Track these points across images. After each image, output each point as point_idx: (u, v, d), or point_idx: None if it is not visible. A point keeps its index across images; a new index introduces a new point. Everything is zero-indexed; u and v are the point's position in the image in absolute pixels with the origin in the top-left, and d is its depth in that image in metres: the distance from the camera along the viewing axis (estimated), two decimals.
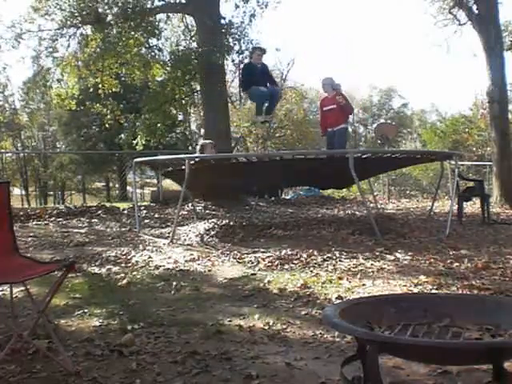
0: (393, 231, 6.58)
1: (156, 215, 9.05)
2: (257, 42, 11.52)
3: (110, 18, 11.06)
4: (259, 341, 2.83)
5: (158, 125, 12.61)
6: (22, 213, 8.90)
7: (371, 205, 9.46)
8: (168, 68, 12.20)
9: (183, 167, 6.27)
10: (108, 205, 10.79)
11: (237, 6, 11.43)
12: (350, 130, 8.09)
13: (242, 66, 8.27)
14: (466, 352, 1.67)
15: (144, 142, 12.59)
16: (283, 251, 5.29)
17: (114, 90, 13.02)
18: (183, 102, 13.12)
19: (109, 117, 13.84)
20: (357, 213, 9.27)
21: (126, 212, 9.34)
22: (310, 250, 5.28)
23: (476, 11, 11.01)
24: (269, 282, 4.14)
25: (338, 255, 5.07)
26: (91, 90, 13.54)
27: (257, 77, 7.84)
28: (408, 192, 16.92)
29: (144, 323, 3.13)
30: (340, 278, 4.16)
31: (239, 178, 7.26)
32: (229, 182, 7.52)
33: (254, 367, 2.47)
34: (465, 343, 1.77)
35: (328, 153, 7.33)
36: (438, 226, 7.03)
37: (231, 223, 7.84)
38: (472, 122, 19.92)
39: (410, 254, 5.09)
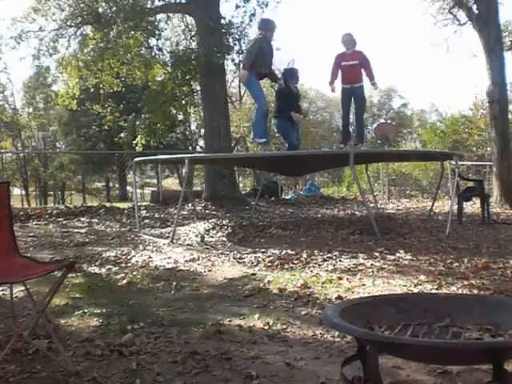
0: (393, 231, 6.58)
1: (156, 215, 9.05)
2: None
3: (109, 17, 11.06)
4: (259, 341, 2.83)
5: (158, 125, 12.62)
6: (22, 213, 8.90)
7: (371, 205, 9.46)
8: (168, 68, 12.20)
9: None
10: (108, 205, 10.80)
11: (237, 6, 11.43)
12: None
13: (277, 88, 7.82)
14: (466, 352, 1.67)
15: (144, 142, 12.60)
16: (283, 251, 5.29)
17: (114, 89, 13.04)
18: (183, 102, 13.12)
19: (108, 118, 13.86)
20: (357, 213, 9.27)
21: (126, 212, 9.34)
22: (310, 250, 5.29)
23: (476, 11, 11.01)
24: (269, 281, 4.14)
25: (338, 255, 5.07)
26: (92, 90, 13.54)
27: (293, 103, 7.48)
28: (408, 192, 16.90)
29: (144, 323, 3.13)
30: (340, 278, 4.16)
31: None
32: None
33: (254, 367, 2.47)
34: (465, 343, 1.77)
35: (330, 152, 7.39)
36: (438, 226, 7.03)
37: (231, 223, 7.84)
38: (472, 122, 19.88)
39: (410, 254, 5.09)
